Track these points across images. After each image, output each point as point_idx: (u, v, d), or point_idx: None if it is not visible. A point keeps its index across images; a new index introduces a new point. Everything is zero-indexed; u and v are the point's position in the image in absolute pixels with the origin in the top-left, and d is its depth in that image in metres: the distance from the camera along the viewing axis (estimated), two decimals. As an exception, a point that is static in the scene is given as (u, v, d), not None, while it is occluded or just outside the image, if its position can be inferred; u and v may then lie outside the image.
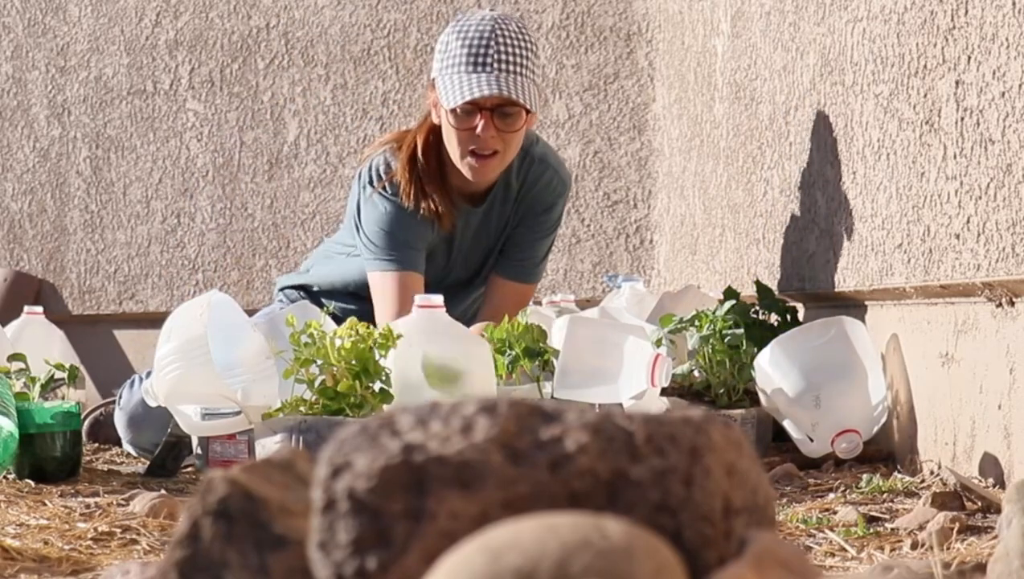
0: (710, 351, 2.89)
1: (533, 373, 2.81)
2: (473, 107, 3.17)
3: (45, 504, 2.41)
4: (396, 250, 3.29)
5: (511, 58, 3.18)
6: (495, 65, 3.16)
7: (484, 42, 3.16)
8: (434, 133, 3.31)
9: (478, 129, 3.18)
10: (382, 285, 3.30)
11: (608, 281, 4.06)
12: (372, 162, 3.36)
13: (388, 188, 3.31)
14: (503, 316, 2.97)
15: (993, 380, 2.21)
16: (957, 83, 2.24)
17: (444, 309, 2.72)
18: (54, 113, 5.57)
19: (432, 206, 3.29)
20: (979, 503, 2.08)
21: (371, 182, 3.33)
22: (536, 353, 2.80)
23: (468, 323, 3.23)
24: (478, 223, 3.41)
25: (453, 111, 3.18)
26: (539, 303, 4.15)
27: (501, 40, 3.17)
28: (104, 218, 5.46)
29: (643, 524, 0.97)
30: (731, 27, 3.71)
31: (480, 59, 3.16)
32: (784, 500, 2.32)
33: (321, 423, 2.52)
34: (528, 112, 3.23)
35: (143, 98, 5.39)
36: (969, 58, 2.19)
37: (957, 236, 2.25)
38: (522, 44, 3.20)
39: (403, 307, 3.11)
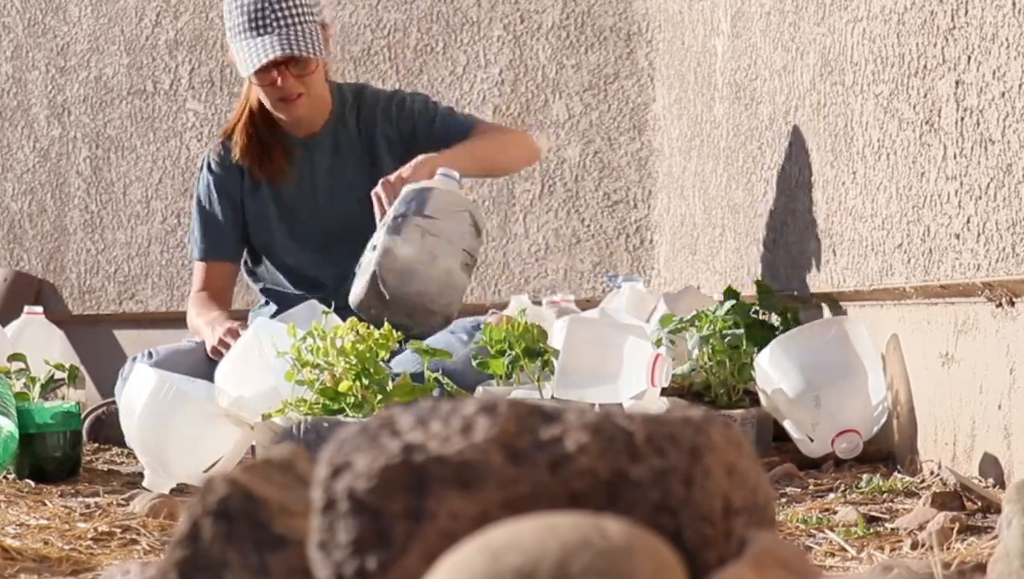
0: (710, 351, 2.89)
1: (533, 373, 2.81)
2: (267, 66, 3.42)
3: (45, 504, 2.41)
4: (204, 232, 3.61)
5: (286, 12, 3.40)
6: (274, 25, 3.39)
7: (257, 4, 3.38)
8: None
9: (278, 83, 3.45)
10: (193, 277, 3.68)
11: (608, 281, 4.06)
12: (213, 146, 3.71)
13: (218, 155, 3.65)
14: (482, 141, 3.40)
15: (993, 380, 2.21)
16: (957, 83, 2.24)
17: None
18: (54, 113, 5.57)
19: (266, 153, 3.57)
20: (979, 503, 2.08)
21: (207, 160, 3.67)
22: (536, 353, 2.80)
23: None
24: (327, 163, 3.60)
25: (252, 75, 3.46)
26: (539, 303, 4.16)
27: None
28: (104, 218, 5.46)
29: (643, 524, 0.97)
30: (731, 27, 3.71)
31: (259, 22, 3.39)
32: (784, 500, 2.32)
33: (321, 423, 2.53)
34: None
35: (143, 98, 5.39)
36: (969, 58, 2.19)
37: (957, 236, 2.25)
38: None
39: (200, 296, 3.54)
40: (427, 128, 3.58)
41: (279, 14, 3.38)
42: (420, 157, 3.24)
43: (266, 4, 3.37)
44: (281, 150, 3.58)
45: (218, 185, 3.61)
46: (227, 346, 3.18)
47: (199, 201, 3.64)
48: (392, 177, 3.21)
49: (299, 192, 3.61)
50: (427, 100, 3.66)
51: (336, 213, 3.59)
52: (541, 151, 3.69)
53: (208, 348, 3.33)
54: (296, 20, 3.39)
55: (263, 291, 3.74)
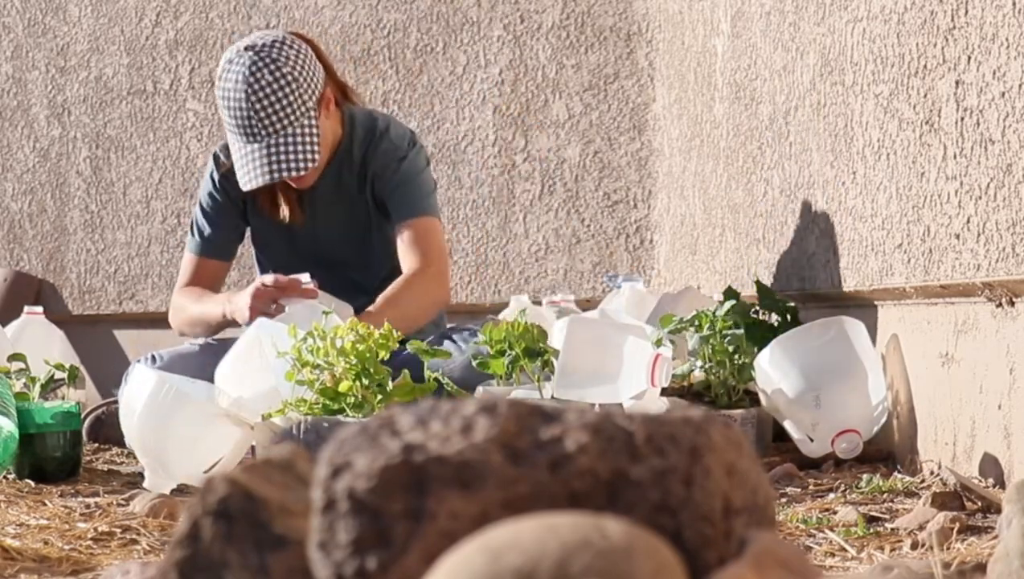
0: (710, 351, 2.89)
1: (533, 373, 2.81)
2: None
3: (45, 504, 2.41)
4: (203, 232, 3.52)
5: (276, 118, 3.24)
6: (263, 133, 3.24)
7: (243, 112, 3.24)
8: None
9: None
10: (183, 263, 3.62)
11: (608, 281, 4.06)
12: (224, 142, 3.53)
13: (223, 166, 3.50)
14: (409, 252, 3.31)
15: (993, 380, 2.21)
16: (957, 83, 2.24)
17: None
18: (54, 113, 5.57)
19: (266, 195, 3.46)
20: (979, 503, 2.08)
21: (216, 157, 3.53)
22: (536, 353, 2.80)
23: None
24: (330, 194, 3.48)
25: None
26: (539, 303, 4.16)
27: (260, 104, 3.23)
28: (104, 218, 5.46)
29: (643, 524, 0.97)
30: (731, 27, 3.71)
31: (246, 129, 3.25)
32: (784, 500, 2.32)
33: (320, 423, 2.53)
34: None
35: (143, 98, 5.39)
36: (969, 58, 2.19)
37: (957, 236, 2.25)
38: (285, 93, 3.24)
39: (188, 287, 3.49)
40: (387, 197, 3.46)
41: (271, 119, 3.23)
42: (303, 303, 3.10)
43: (255, 112, 3.22)
44: (282, 194, 3.46)
45: (223, 190, 3.53)
46: (270, 298, 3.12)
47: (201, 199, 3.56)
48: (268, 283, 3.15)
49: (297, 226, 3.52)
50: (413, 160, 3.48)
51: (330, 240, 3.54)
52: (446, 298, 3.55)
53: (245, 313, 3.16)
54: (288, 123, 3.25)
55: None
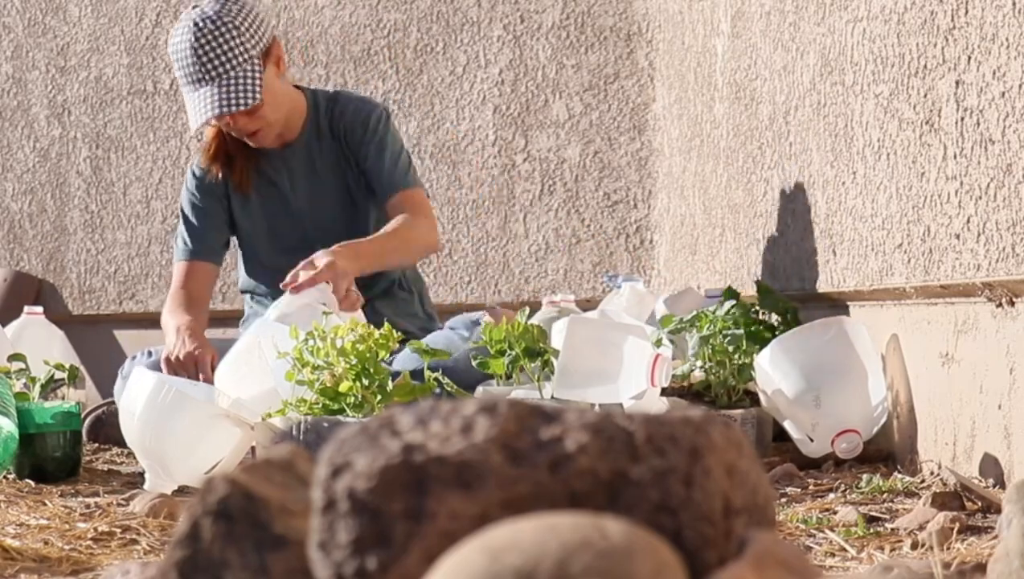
0: (710, 351, 2.89)
1: (533, 373, 2.81)
2: (210, 118, 3.40)
3: (45, 504, 2.41)
4: (187, 233, 3.61)
5: (219, 61, 3.38)
6: (210, 76, 3.38)
7: (188, 59, 3.39)
8: None
9: (231, 125, 3.46)
10: (173, 271, 3.66)
11: (608, 281, 4.06)
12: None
13: (197, 168, 3.65)
14: (390, 234, 3.38)
15: (993, 380, 2.21)
16: (957, 83, 2.24)
17: None
18: (54, 113, 5.57)
19: (229, 163, 3.59)
20: (979, 503, 2.08)
21: (192, 171, 3.67)
22: (536, 353, 2.80)
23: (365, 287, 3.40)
24: (304, 169, 3.60)
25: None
26: (539, 303, 4.16)
27: (202, 50, 3.38)
28: (104, 218, 5.46)
29: (643, 524, 0.97)
30: (731, 27, 3.71)
31: (194, 76, 3.39)
32: (784, 500, 2.32)
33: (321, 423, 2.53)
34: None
35: (143, 98, 5.39)
36: (969, 58, 2.19)
37: (957, 236, 2.25)
38: (226, 40, 3.39)
39: (178, 291, 3.52)
40: (364, 160, 3.58)
41: (213, 63, 3.37)
42: (327, 259, 3.15)
43: (198, 57, 3.37)
44: (245, 160, 3.58)
45: (203, 189, 3.62)
46: (183, 369, 3.18)
47: (183, 206, 3.66)
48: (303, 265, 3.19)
49: (278, 199, 3.62)
50: (384, 130, 3.61)
51: (314, 219, 3.60)
52: (439, 246, 3.69)
53: (163, 356, 3.25)
54: (231, 66, 3.38)
55: (244, 292, 3.76)
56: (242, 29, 3.41)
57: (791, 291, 3.21)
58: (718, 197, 3.88)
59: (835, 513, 2.14)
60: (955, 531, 1.88)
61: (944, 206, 2.30)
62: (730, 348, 2.87)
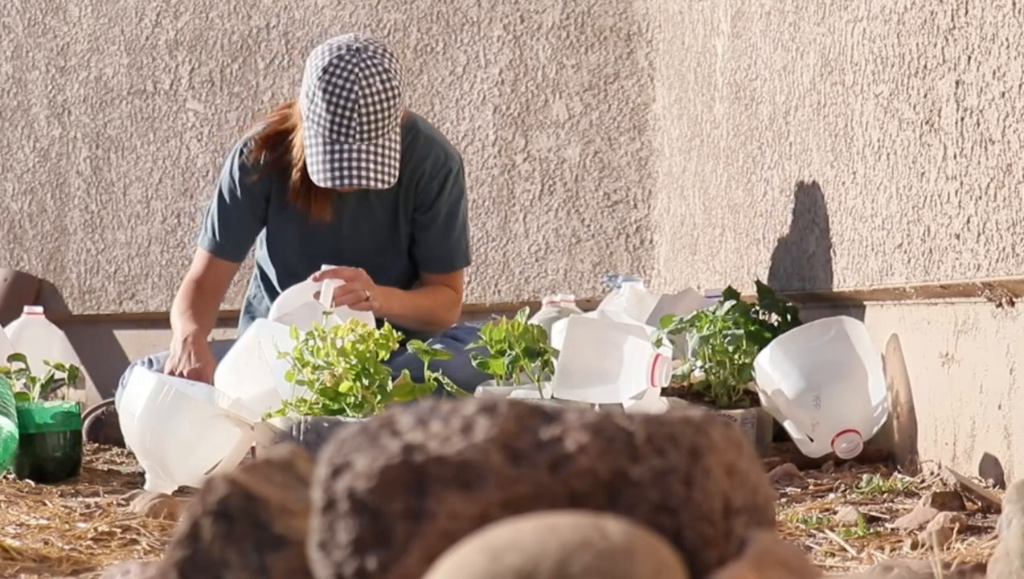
0: (710, 351, 2.89)
1: (533, 373, 2.81)
2: None
3: (45, 504, 2.41)
4: (219, 226, 3.48)
5: (372, 127, 3.23)
6: (355, 137, 3.21)
7: (348, 113, 3.21)
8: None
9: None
10: (196, 256, 3.57)
11: (608, 281, 4.06)
12: (250, 132, 3.52)
13: (252, 158, 3.44)
14: (426, 299, 3.43)
15: (993, 380, 2.21)
16: (957, 83, 2.24)
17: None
18: (54, 113, 5.57)
19: (315, 197, 3.40)
20: (979, 503, 2.08)
21: (242, 152, 3.47)
22: (536, 353, 2.80)
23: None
24: (357, 195, 3.44)
25: None
26: (539, 303, 4.16)
27: (364, 110, 3.21)
28: (104, 218, 5.46)
29: (643, 524, 0.97)
30: (731, 27, 3.71)
31: (343, 130, 3.21)
32: (784, 500, 2.32)
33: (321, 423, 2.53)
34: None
35: (143, 98, 5.39)
36: (969, 58, 2.19)
37: (957, 236, 2.25)
38: (386, 106, 3.24)
39: (193, 287, 3.45)
40: (424, 228, 3.50)
41: (366, 127, 3.22)
42: (361, 270, 3.21)
43: (357, 117, 3.19)
44: (329, 196, 3.41)
45: (245, 186, 3.46)
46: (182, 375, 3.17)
47: (221, 194, 3.49)
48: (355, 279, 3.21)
49: (324, 219, 3.48)
50: (457, 202, 3.53)
51: (358, 241, 3.50)
52: (447, 325, 3.60)
53: (167, 370, 3.20)
54: (378, 134, 3.23)
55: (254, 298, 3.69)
56: (400, 95, 3.27)
57: (791, 291, 3.21)
58: (718, 197, 3.88)
59: (835, 513, 2.14)
60: (955, 531, 1.88)
61: (944, 206, 2.30)
62: (730, 348, 2.87)
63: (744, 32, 3.58)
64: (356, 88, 3.20)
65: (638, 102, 4.75)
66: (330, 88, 3.22)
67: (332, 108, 3.21)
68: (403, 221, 3.51)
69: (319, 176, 3.24)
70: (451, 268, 3.54)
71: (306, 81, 3.28)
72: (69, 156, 5.54)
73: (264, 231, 3.56)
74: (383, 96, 3.22)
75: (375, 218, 3.50)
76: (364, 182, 3.22)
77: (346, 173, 3.22)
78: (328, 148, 3.23)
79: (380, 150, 3.24)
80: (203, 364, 3.19)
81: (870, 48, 2.64)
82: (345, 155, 3.22)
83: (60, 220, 5.56)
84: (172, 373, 3.19)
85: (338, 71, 3.23)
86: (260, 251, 3.63)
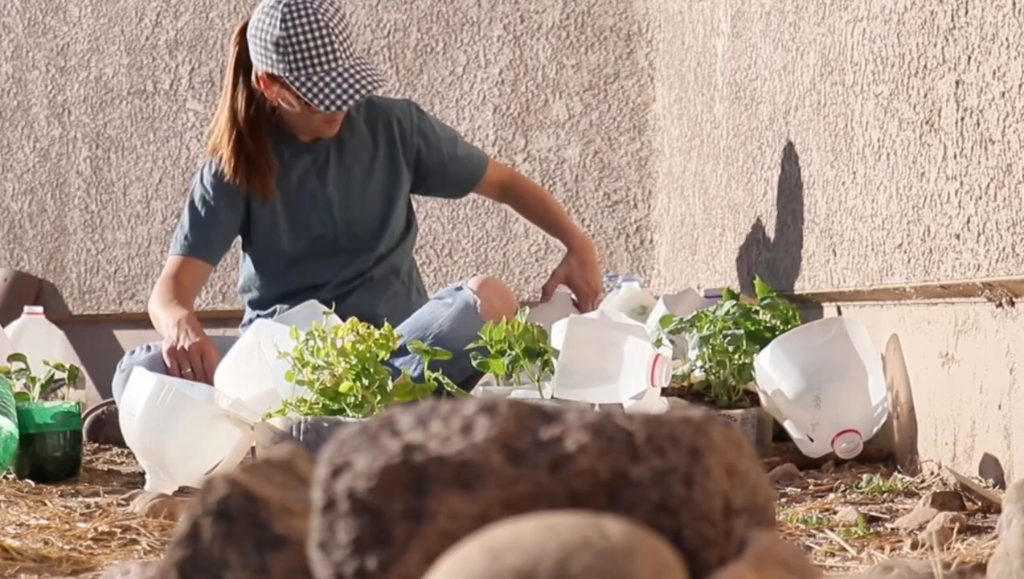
0: (710, 351, 2.89)
1: (533, 373, 2.81)
2: None
3: (45, 504, 2.41)
4: (193, 231, 3.52)
5: (346, 36, 3.37)
6: (349, 51, 3.35)
7: (339, 25, 3.33)
8: (254, 110, 3.47)
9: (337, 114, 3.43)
10: (167, 263, 3.58)
11: (608, 281, 4.06)
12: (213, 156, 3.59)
13: (216, 166, 3.52)
14: (539, 200, 3.78)
15: (993, 380, 2.21)
16: (957, 83, 2.24)
17: None
18: (54, 113, 5.57)
19: (253, 171, 3.48)
20: (979, 503, 2.08)
21: (210, 161, 3.55)
22: (536, 353, 2.80)
23: (407, 290, 3.62)
24: (336, 167, 3.55)
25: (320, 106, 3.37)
26: (539, 304, 4.16)
27: (336, 23, 3.34)
28: (104, 218, 5.46)
29: (643, 524, 0.97)
30: (731, 27, 3.71)
31: (344, 42, 3.33)
32: (784, 500, 2.32)
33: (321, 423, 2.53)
34: None
35: (143, 98, 5.39)
36: (969, 58, 2.19)
37: (957, 236, 2.25)
38: (343, 15, 3.40)
39: (171, 283, 3.44)
40: (441, 165, 3.63)
41: (349, 41, 3.36)
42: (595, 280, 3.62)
43: (344, 27, 3.34)
44: (267, 167, 3.49)
45: (218, 189, 3.51)
46: (188, 360, 3.17)
47: (193, 202, 3.54)
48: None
49: (308, 196, 3.55)
50: (444, 129, 3.69)
51: (345, 217, 3.56)
52: None
53: (166, 348, 3.22)
54: (351, 42, 3.38)
55: (251, 303, 3.67)
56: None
57: (791, 291, 3.21)
58: (718, 197, 3.88)
59: (835, 513, 2.14)
60: (955, 531, 1.88)
61: (944, 206, 2.30)
62: (730, 348, 2.87)
63: (744, 32, 3.58)
64: (331, 7, 3.35)
65: (638, 102, 4.75)
66: (311, 17, 3.32)
67: (324, 28, 3.31)
68: (404, 179, 3.60)
69: (331, 100, 3.32)
70: (486, 161, 3.74)
71: (266, 32, 3.34)
72: (69, 156, 5.54)
73: (253, 230, 3.59)
74: (339, 9, 3.38)
75: (363, 191, 3.57)
76: (375, 85, 3.34)
77: (357, 85, 3.32)
78: (326, 73, 3.32)
79: (362, 57, 3.42)
80: (202, 338, 3.21)
81: (870, 48, 2.64)
82: (347, 73, 3.32)
83: (60, 220, 5.56)
84: (173, 351, 3.19)
85: (305, 3, 3.35)
86: (252, 252, 3.64)
